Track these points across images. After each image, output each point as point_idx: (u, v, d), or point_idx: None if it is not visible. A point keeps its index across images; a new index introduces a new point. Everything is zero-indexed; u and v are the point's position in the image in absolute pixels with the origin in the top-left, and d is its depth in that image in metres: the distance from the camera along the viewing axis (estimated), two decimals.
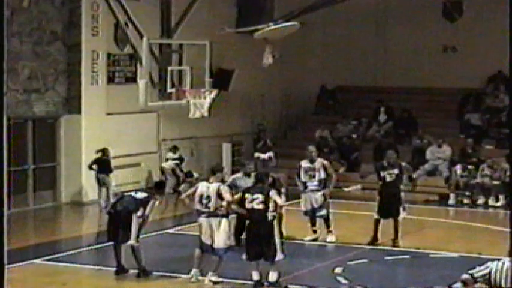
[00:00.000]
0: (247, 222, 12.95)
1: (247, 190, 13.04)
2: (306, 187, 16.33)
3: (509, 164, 21.25)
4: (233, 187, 14.07)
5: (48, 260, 14.88)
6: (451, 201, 21.96)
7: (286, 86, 27.60)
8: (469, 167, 22.27)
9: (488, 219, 19.99)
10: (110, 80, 22.02)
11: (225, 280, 13.05)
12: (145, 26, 20.76)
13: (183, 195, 14.02)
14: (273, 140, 25.83)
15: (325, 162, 16.64)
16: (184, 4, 22.24)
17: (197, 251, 13.10)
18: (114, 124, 21.73)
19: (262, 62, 18.91)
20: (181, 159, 23.13)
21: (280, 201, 13.05)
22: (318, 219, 16.44)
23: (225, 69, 23.67)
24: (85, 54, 21.11)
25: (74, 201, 21.24)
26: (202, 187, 13.09)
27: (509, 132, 21.19)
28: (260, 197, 12.63)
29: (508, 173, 21.42)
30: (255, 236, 12.65)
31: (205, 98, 19.82)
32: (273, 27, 18.48)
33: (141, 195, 13.63)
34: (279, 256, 12.69)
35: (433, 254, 15.35)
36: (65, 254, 15.53)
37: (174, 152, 23.13)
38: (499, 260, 7.65)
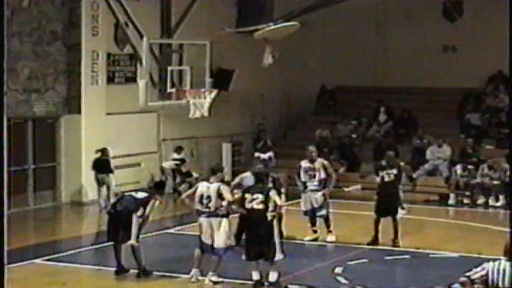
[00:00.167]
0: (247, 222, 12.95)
1: (247, 190, 13.05)
2: (306, 187, 16.33)
3: (509, 164, 21.26)
4: (241, 186, 14.09)
5: (48, 260, 14.87)
6: (451, 201, 21.96)
7: (286, 86, 27.60)
8: (469, 167, 22.27)
9: (488, 219, 19.99)
10: (110, 80, 22.02)
11: (225, 280, 13.05)
12: (145, 26, 20.76)
13: (183, 195, 14.02)
14: (273, 140, 25.83)
15: (325, 162, 16.64)
16: (184, 4, 22.24)
17: (197, 251, 13.10)
18: (114, 124, 21.72)
19: (262, 62, 18.91)
20: (182, 160, 23.10)
21: (280, 201, 13.06)
22: (318, 219, 16.44)
23: (225, 69, 23.67)
24: (85, 54, 21.11)
25: (74, 201, 21.24)
26: (202, 187, 13.09)
27: (509, 132, 21.20)
28: (260, 196, 12.63)
29: (508, 173, 21.42)
30: (255, 236, 12.65)
31: (205, 98, 19.82)
32: (273, 27, 18.48)
33: (141, 195, 13.62)
34: (279, 256, 12.69)
35: (433, 254, 15.35)
36: (65, 254, 15.52)
37: (179, 153, 23.12)
38: (494, 260, 7.64)
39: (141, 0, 21.99)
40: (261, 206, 12.58)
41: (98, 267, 14.35)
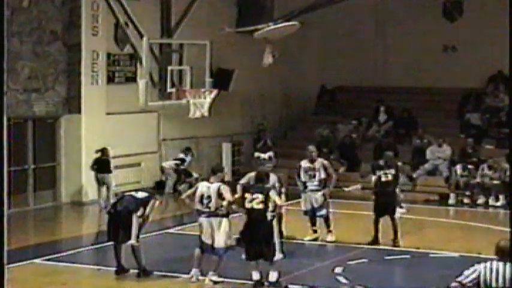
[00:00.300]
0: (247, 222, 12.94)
1: (247, 190, 13.05)
2: (306, 187, 16.33)
3: (509, 164, 21.27)
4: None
5: (48, 260, 14.87)
6: (451, 201, 21.96)
7: (286, 86, 27.60)
8: (469, 166, 22.27)
9: (488, 219, 19.99)
10: (110, 79, 22.02)
11: (225, 280, 13.04)
12: (146, 25, 20.77)
13: (184, 196, 14.01)
14: (273, 140, 25.84)
15: (325, 162, 16.64)
16: (184, 4, 22.25)
17: (197, 251, 13.10)
18: (114, 124, 21.72)
19: (262, 62, 18.91)
20: (182, 159, 23.10)
21: (280, 201, 13.05)
22: (318, 219, 16.44)
23: (225, 69, 23.66)
24: (85, 54, 21.11)
25: (74, 201, 21.24)
26: (202, 187, 13.09)
27: (509, 132, 21.22)
28: (260, 196, 12.63)
29: (508, 173, 21.43)
30: (255, 235, 12.65)
31: (205, 97, 19.81)
32: (273, 27, 18.48)
33: (141, 195, 13.62)
34: (278, 256, 12.69)
35: (433, 254, 15.34)
36: (65, 254, 15.52)
37: (186, 154, 23.14)
38: (486, 261, 7.62)
39: (141, 0, 21.99)
40: (260, 206, 12.58)
41: (98, 267, 14.34)
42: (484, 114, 25.30)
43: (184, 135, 24.02)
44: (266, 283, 12.74)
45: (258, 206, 12.59)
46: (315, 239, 16.42)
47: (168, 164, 22.96)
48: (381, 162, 16.50)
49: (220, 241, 12.86)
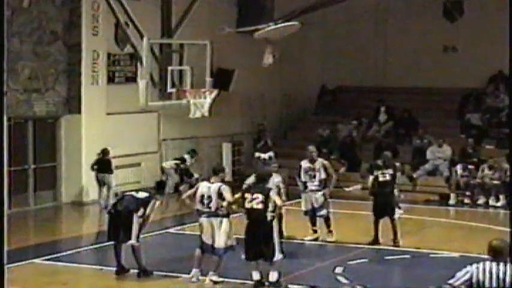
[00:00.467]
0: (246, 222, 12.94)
1: (247, 190, 13.05)
2: (306, 187, 16.34)
3: (510, 164, 21.27)
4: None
5: (48, 260, 14.87)
6: (452, 201, 21.97)
7: (286, 86, 27.60)
8: (470, 166, 22.28)
9: (488, 219, 19.99)
10: (110, 79, 22.03)
11: (225, 280, 13.05)
12: (146, 25, 20.75)
13: (184, 196, 14.02)
14: (273, 140, 25.83)
15: (326, 162, 16.65)
16: (184, 4, 22.23)
17: (197, 251, 13.10)
18: (114, 124, 21.72)
19: (262, 62, 18.91)
20: (182, 159, 23.10)
21: (280, 201, 13.05)
22: (318, 219, 16.45)
23: (225, 69, 23.66)
24: (85, 54, 21.12)
25: (74, 201, 21.24)
26: (203, 187, 13.09)
27: (510, 132, 21.21)
28: (260, 196, 12.63)
29: (508, 173, 21.43)
30: (254, 235, 12.65)
31: (205, 98, 19.80)
32: (273, 27, 18.48)
33: (141, 195, 13.63)
34: (278, 256, 12.68)
35: (433, 254, 15.34)
36: (65, 253, 15.52)
37: (192, 156, 23.16)
38: (478, 262, 7.61)
39: (142, 0, 21.99)
40: (260, 206, 12.58)
41: (98, 267, 14.35)
42: (484, 115, 25.30)
43: (184, 135, 24.02)
44: (266, 283, 12.74)
45: (258, 206, 12.59)
46: (315, 239, 16.43)
47: (168, 164, 22.96)
48: (379, 162, 16.52)
49: (220, 241, 12.86)
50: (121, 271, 13.55)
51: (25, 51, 20.14)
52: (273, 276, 12.73)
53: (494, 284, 7.34)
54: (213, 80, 20.49)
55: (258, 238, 12.60)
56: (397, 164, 18.56)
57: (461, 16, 27.04)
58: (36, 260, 14.81)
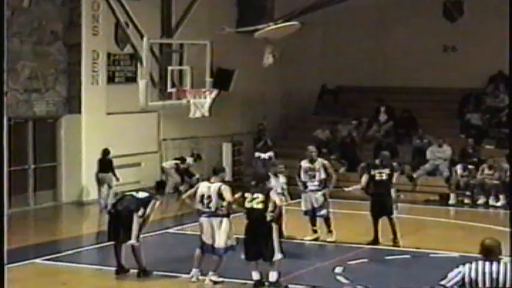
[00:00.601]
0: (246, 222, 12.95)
1: (247, 190, 13.06)
2: (306, 187, 16.34)
3: (509, 164, 21.27)
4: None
5: (48, 259, 14.88)
6: (452, 201, 21.98)
7: (286, 86, 27.60)
8: (470, 166, 22.29)
9: (488, 219, 19.99)
10: (110, 79, 22.03)
11: (225, 280, 13.05)
12: (146, 25, 20.71)
13: (184, 196, 14.03)
14: (273, 140, 25.82)
15: (326, 162, 16.66)
16: (184, 4, 22.20)
17: (197, 251, 13.11)
18: (114, 124, 21.73)
19: (262, 62, 18.90)
20: (182, 159, 23.10)
21: (279, 202, 13.05)
22: (318, 219, 16.45)
23: (226, 69, 23.65)
24: (85, 54, 21.12)
25: (74, 201, 21.24)
26: (203, 187, 13.10)
27: (509, 132, 21.21)
28: (260, 196, 12.64)
29: (508, 173, 21.43)
30: (254, 235, 12.65)
31: (205, 97, 19.78)
32: (273, 27, 18.47)
33: (142, 194, 13.64)
34: (277, 256, 12.69)
35: (433, 254, 15.35)
36: (65, 253, 15.53)
37: (195, 160, 23.17)
38: (471, 263, 7.60)
39: (142, 0, 21.99)
40: (260, 206, 12.59)
41: (98, 267, 14.35)
42: (484, 115, 25.30)
43: (184, 135, 24.02)
44: (266, 283, 12.74)
45: (258, 206, 12.60)
46: (315, 239, 16.44)
47: (169, 163, 22.97)
48: (377, 161, 16.54)
49: (220, 241, 12.87)
50: (121, 271, 13.56)
51: (25, 51, 20.15)
52: (273, 276, 12.73)
53: (487, 283, 7.34)
54: (213, 80, 20.47)
55: (258, 238, 12.61)
56: (395, 163, 18.53)
57: (461, 16, 27.03)
58: (36, 260, 14.82)
